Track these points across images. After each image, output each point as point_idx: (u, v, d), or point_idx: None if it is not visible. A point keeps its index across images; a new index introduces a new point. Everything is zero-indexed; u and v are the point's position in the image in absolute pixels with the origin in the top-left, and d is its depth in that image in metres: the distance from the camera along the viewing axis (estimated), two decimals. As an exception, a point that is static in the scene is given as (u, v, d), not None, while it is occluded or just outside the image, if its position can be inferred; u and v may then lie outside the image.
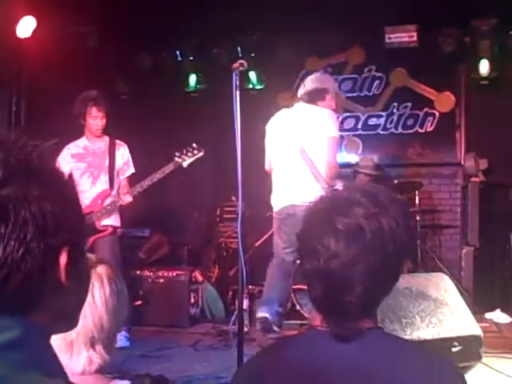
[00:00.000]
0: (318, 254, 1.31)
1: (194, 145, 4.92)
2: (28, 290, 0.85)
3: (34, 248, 0.83)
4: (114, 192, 5.09)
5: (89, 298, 1.36)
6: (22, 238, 0.82)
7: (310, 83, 5.01)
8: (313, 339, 1.39)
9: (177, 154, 4.94)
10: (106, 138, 5.21)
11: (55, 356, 0.89)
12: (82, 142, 5.21)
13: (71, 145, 5.19)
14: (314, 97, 4.92)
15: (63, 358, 1.32)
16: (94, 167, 5.12)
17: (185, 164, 4.95)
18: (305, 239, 1.38)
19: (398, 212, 1.36)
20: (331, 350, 1.34)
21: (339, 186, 4.31)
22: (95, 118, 5.08)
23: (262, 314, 4.59)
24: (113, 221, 5.08)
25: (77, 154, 5.16)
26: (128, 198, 4.98)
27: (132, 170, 5.24)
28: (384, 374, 1.30)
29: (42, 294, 0.87)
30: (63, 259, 0.89)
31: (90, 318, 1.42)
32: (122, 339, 4.86)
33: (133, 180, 5.20)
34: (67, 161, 5.11)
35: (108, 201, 5.03)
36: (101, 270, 1.49)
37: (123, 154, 5.23)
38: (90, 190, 5.03)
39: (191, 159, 4.93)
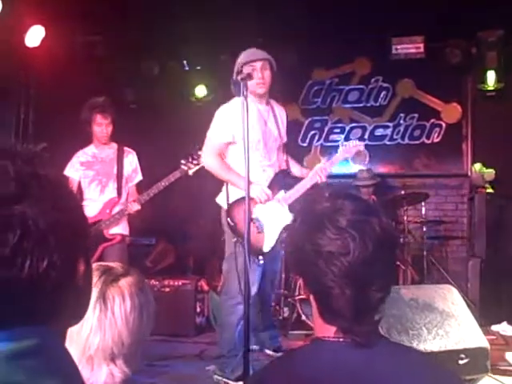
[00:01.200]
0: (338, 257, 1.31)
1: (200, 153, 4.94)
2: (50, 299, 0.86)
3: (56, 259, 0.85)
4: (123, 200, 5.10)
5: (108, 314, 1.38)
6: (44, 251, 0.83)
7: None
8: (323, 350, 1.39)
9: (183, 161, 4.95)
10: (115, 145, 5.22)
11: (73, 362, 0.91)
12: (91, 149, 5.22)
13: (80, 153, 5.21)
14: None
15: (85, 372, 1.33)
16: (102, 175, 5.13)
17: (191, 172, 4.96)
18: (311, 246, 1.35)
19: (381, 209, 1.42)
20: (341, 360, 1.34)
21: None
22: (101, 125, 5.09)
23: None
24: (121, 229, 5.08)
25: (85, 161, 5.17)
26: (135, 206, 4.99)
27: (140, 177, 5.25)
28: (390, 381, 1.30)
29: (62, 301, 0.89)
30: (81, 267, 0.92)
31: (109, 334, 1.40)
32: None
33: (140, 188, 5.21)
34: (76, 169, 5.12)
35: (116, 209, 5.04)
36: (123, 283, 1.46)
37: (131, 161, 5.24)
38: (98, 198, 5.04)
39: (197, 167, 4.93)
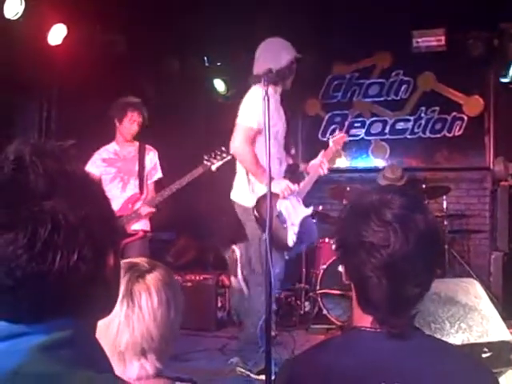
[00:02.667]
0: (378, 249, 1.33)
1: (223, 148, 4.95)
2: (80, 292, 0.89)
3: (86, 253, 0.87)
4: (144, 196, 5.14)
5: (136, 310, 1.40)
6: (74, 245, 0.86)
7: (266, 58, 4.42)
8: (359, 339, 1.40)
9: (205, 157, 4.97)
10: (136, 143, 5.26)
11: (104, 353, 0.93)
12: (113, 146, 5.27)
13: (101, 150, 5.25)
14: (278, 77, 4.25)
15: (117, 368, 1.33)
16: (124, 172, 5.17)
17: (213, 167, 4.97)
18: (355, 236, 1.38)
19: (428, 205, 1.44)
20: (375, 350, 1.36)
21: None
22: (133, 122, 5.13)
23: None
24: (143, 225, 5.12)
25: (107, 158, 5.21)
26: (146, 209, 5.01)
27: (159, 174, 5.28)
28: (425, 373, 1.32)
29: (92, 294, 0.91)
30: (111, 261, 0.94)
31: (137, 330, 1.42)
32: None
33: (161, 185, 5.24)
34: (97, 165, 5.16)
35: (138, 205, 5.09)
36: (149, 279, 1.48)
37: (152, 158, 5.27)
38: (120, 195, 5.09)
39: (220, 162, 4.95)
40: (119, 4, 5.99)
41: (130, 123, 5.14)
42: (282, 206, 4.21)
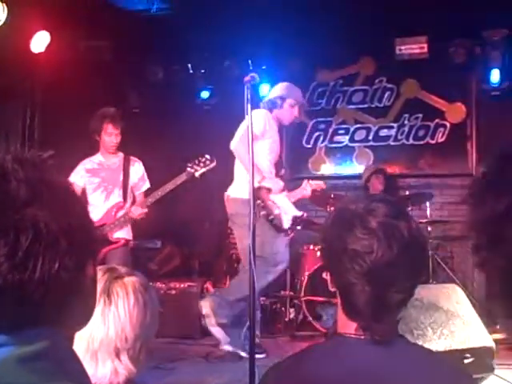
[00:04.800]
0: (362, 256, 1.34)
1: (207, 156, 4.97)
2: (60, 302, 0.88)
3: (67, 262, 0.86)
4: (127, 205, 5.13)
5: (113, 308, 1.40)
6: (56, 254, 0.85)
7: (272, 92, 5.29)
8: (343, 346, 1.41)
9: (189, 164, 4.98)
10: (121, 154, 5.27)
11: (81, 364, 0.93)
12: (97, 157, 5.28)
13: (86, 161, 5.27)
14: (272, 104, 5.12)
15: (89, 368, 1.34)
16: (107, 182, 5.17)
17: (197, 174, 4.98)
18: (339, 243, 1.40)
19: (412, 216, 1.47)
20: (359, 357, 1.37)
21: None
22: (110, 135, 5.14)
23: None
24: (125, 233, 5.12)
25: (91, 169, 5.22)
26: (139, 210, 5.01)
27: (148, 185, 5.29)
28: (408, 380, 1.34)
29: (71, 304, 0.91)
30: (90, 270, 0.94)
31: (112, 328, 1.42)
32: None
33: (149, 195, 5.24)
34: (81, 175, 5.17)
35: (120, 213, 5.08)
36: (128, 280, 1.49)
37: (137, 170, 5.28)
38: (103, 205, 5.09)
39: (203, 169, 4.96)
40: (103, 11, 5.99)
41: (108, 136, 5.15)
42: (275, 198, 4.86)
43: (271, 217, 4.81)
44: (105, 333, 1.41)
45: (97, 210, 5.04)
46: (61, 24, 6.00)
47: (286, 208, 4.90)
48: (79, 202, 0.95)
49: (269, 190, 4.81)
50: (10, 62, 5.58)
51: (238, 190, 4.86)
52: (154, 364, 4.63)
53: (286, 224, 4.87)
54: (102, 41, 7.03)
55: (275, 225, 4.83)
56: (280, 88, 5.26)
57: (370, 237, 1.35)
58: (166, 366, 4.68)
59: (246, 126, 4.38)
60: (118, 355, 1.43)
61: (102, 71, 6.83)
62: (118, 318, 1.43)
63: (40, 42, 6.05)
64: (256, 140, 4.55)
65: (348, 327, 1.40)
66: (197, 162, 4.98)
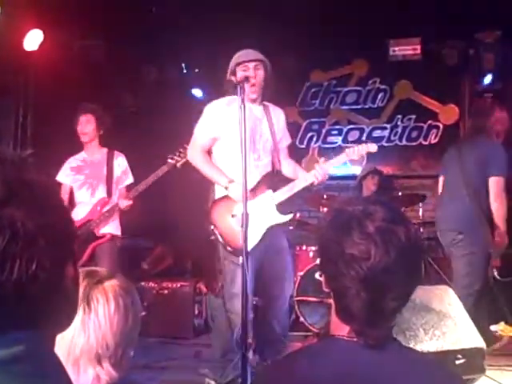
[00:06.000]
0: (358, 261, 1.33)
1: (186, 146, 4.94)
2: (39, 303, 0.87)
3: (45, 263, 0.85)
4: (113, 201, 5.14)
5: (92, 316, 1.38)
6: (33, 254, 0.84)
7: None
8: (334, 348, 1.41)
9: (169, 156, 5.01)
10: (104, 150, 5.29)
11: (61, 366, 0.91)
12: (81, 155, 5.30)
13: (71, 159, 5.29)
14: (231, 86, 4.00)
15: (71, 375, 1.32)
16: (92, 178, 5.18)
17: (178, 164, 4.99)
18: (335, 247, 1.38)
19: (410, 220, 1.45)
20: (351, 360, 1.36)
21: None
22: (80, 124, 5.16)
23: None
24: (112, 229, 5.12)
25: (75, 166, 5.24)
26: (126, 202, 5.03)
27: (131, 179, 5.28)
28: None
29: (50, 305, 0.89)
30: (70, 271, 0.92)
31: (93, 335, 1.40)
32: None
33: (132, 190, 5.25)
34: (66, 174, 5.20)
35: (105, 208, 5.09)
36: (108, 285, 1.46)
37: (121, 163, 5.28)
38: (89, 201, 5.11)
39: (184, 159, 4.94)
40: (97, 10, 5.97)
41: (79, 125, 5.16)
42: (239, 209, 3.74)
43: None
44: (85, 341, 1.40)
45: (84, 206, 5.08)
46: (54, 22, 5.98)
47: (254, 223, 3.81)
48: (58, 201, 0.93)
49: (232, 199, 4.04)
50: (3, 59, 5.55)
51: (210, 200, 4.28)
52: (145, 363, 4.64)
53: (249, 245, 3.70)
54: (95, 40, 7.01)
55: (231, 246, 4.00)
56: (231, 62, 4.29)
57: (367, 242, 1.33)
58: (158, 365, 4.68)
59: (198, 133, 4.23)
60: (99, 362, 1.41)
61: (96, 70, 6.81)
62: (99, 325, 1.41)
63: (33, 40, 6.03)
64: (217, 141, 4.22)
65: (341, 330, 1.40)
66: (177, 153, 4.99)
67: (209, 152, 4.30)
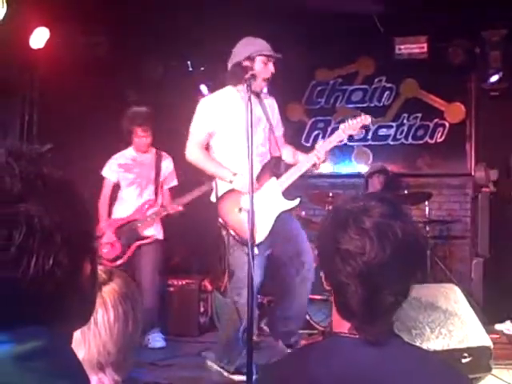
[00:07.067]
0: (355, 256, 1.33)
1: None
2: (56, 299, 0.87)
3: (62, 259, 0.85)
4: (158, 202, 5.25)
5: (92, 326, 1.36)
6: (50, 250, 0.83)
7: (231, 58, 4.23)
8: (338, 346, 1.40)
9: None
10: (153, 150, 5.43)
11: (80, 364, 0.91)
12: (130, 153, 5.40)
13: (118, 155, 5.40)
14: (239, 73, 4.03)
15: None
16: (141, 178, 5.29)
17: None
18: (333, 243, 1.38)
19: (410, 214, 1.43)
20: (352, 357, 1.36)
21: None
22: (140, 138, 5.29)
23: None
24: (157, 232, 5.28)
25: (124, 164, 5.34)
26: (176, 207, 5.19)
27: (175, 182, 5.47)
28: (403, 381, 1.33)
29: (67, 302, 0.89)
30: (87, 269, 0.92)
31: (94, 346, 1.39)
32: (159, 340, 5.20)
33: (172, 192, 5.45)
34: (113, 170, 5.31)
35: (151, 211, 5.18)
36: (106, 291, 1.44)
37: (168, 165, 5.43)
38: (135, 201, 5.23)
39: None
40: (102, 7, 5.97)
41: (138, 138, 5.29)
42: (246, 201, 3.72)
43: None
44: (86, 351, 1.39)
45: (129, 205, 5.20)
46: (60, 20, 5.99)
47: (262, 214, 4.02)
48: (76, 197, 0.93)
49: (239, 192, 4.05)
50: (9, 57, 5.56)
51: (213, 194, 4.29)
52: (151, 361, 4.64)
53: (259, 237, 3.98)
54: (101, 36, 7.02)
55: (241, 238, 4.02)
56: (243, 47, 4.18)
57: (362, 237, 1.33)
58: (163, 363, 4.68)
59: (194, 130, 4.20)
60: (102, 369, 1.41)
61: (101, 67, 6.81)
62: (99, 335, 1.40)
63: (39, 38, 6.04)
64: (215, 135, 4.20)
65: (342, 326, 1.40)
66: None
67: (207, 147, 4.28)
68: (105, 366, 1.40)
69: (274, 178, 4.22)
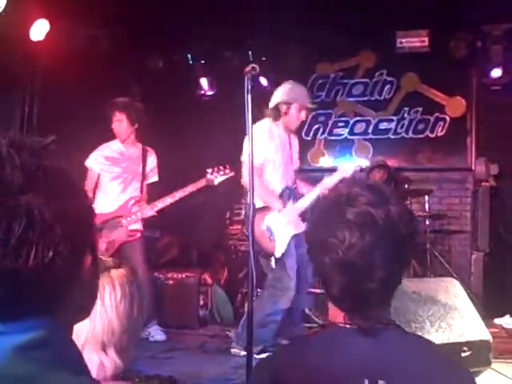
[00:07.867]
0: (335, 247, 1.32)
1: (227, 166, 5.03)
2: (56, 291, 0.87)
3: (62, 250, 0.85)
4: (143, 198, 5.24)
5: (98, 303, 1.36)
6: (50, 242, 0.84)
7: (275, 96, 4.83)
8: (337, 336, 1.40)
9: (209, 170, 5.06)
10: (139, 145, 5.36)
11: (80, 354, 0.92)
12: (117, 145, 5.33)
13: (103, 146, 5.31)
14: (277, 112, 4.77)
15: None
16: (128, 173, 5.24)
17: (216, 181, 5.05)
18: (316, 235, 1.39)
19: (399, 199, 1.41)
20: (353, 346, 1.35)
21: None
22: (114, 122, 5.20)
23: None
24: (139, 225, 5.23)
25: (111, 157, 5.27)
26: (149, 212, 5.09)
27: (156, 178, 5.39)
28: (401, 371, 1.32)
29: (67, 293, 0.89)
30: (88, 260, 0.92)
31: (99, 322, 1.41)
32: (160, 333, 5.17)
33: (154, 188, 5.38)
34: (98, 162, 5.24)
35: (135, 208, 5.15)
36: (114, 273, 1.47)
37: (152, 161, 5.37)
38: (117, 196, 5.15)
39: (222, 178, 5.03)
40: (103, 0, 5.96)
41: (114, 123, 5.21)
42: (271, 220, 4.61)
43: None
44: (91, 328, 1.40)
45: (112, 200, 5.11)
46: (60, 12, 5.97)
47: (281, 233, 4.63)
48: (77, 189, 0.93)
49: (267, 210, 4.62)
50: (10, 49, 5.55)
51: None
52: (151, 354, 4.65)
53: (278, 252, 4.61)
54: (101, 29, 7.00)
55: (264, 251, 4.62)
56: (284, 92, 4.82)
57: (342, 226, 1.32)
58: (163, 355, 4.69)
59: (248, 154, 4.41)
60: (104, 349, 1.41)
61: (102, 60, 6.80)
62: (105, 312, 1.42)
63: (39, 30, 6.02)
64: (267, 164, 4.65)
65: (337, 316, 1.39)
66: (216, 169, 5.05)
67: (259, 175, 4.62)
68: (107, 347, 1.41)
69: (290, 203, 4.75)
